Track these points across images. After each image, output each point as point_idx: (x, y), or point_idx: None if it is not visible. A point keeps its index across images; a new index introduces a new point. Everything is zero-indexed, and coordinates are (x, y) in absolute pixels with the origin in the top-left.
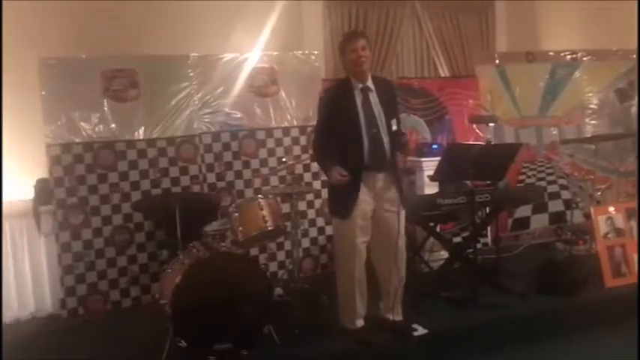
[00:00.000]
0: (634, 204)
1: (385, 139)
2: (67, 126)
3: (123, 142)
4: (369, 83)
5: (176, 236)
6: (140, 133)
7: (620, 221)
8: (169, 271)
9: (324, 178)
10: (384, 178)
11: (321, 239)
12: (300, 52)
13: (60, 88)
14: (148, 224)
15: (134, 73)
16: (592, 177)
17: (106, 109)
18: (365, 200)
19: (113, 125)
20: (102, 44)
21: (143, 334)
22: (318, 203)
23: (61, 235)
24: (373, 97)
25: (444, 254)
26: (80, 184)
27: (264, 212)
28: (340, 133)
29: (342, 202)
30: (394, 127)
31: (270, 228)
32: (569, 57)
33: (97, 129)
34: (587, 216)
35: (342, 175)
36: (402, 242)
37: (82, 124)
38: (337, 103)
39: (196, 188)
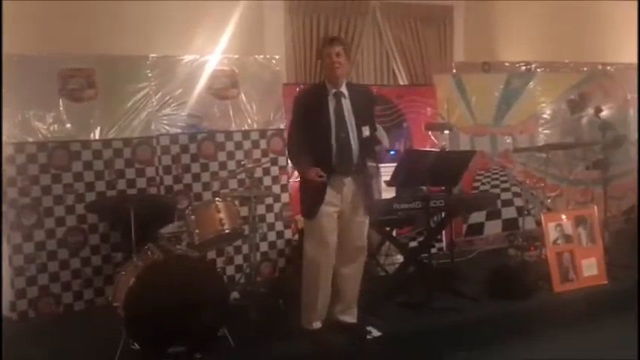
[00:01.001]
0: (582, 211)
1: (354, 145)
2: (22, 125)
3: (78, 142)
4: (343, 89)
5: (131, 238)
6: (96, 134)
7: (569, 228)
8: (123, 273)
9: (283, 182)
10: (352, 183)
11: (280, 243)
12: (261, 56)
13: (15, 86)
14: (103, 226)
15: (92, 73)
16: (543, 185)
17: (61, 108)
18: (331, 202)
19: (68, 125)
20: (60, 43)
21: (96, 337)
22: (277, 207)
23: (12, 236)
24: (346, 103)
25: (400, 258)
26: (33, 184)
27: (222, 215)
28: (311, 135)
29: (309, 202)
30: (366, 134)
31: (227, 231)
32: (523, 68)
33: (51, 128)
34: (539, 223)
35: (320, 176)
36: (364, 248)
37: (37, 123)
38: (310, 105)
39: (153, 190)
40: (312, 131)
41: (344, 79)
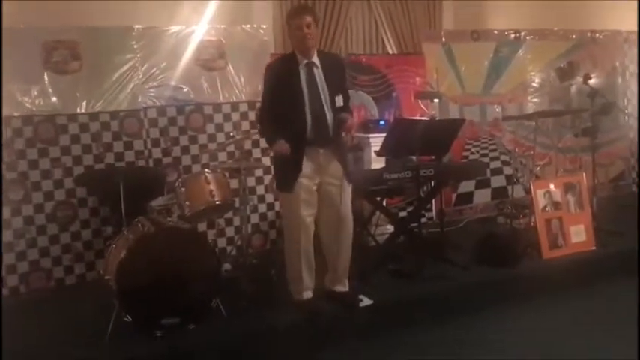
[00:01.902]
0: (571, 179)
1: (329, 115)
2: (6, 99)
3: (64, 115)
4: (315, 59)
5: (121, 212)
6: (83, 107)
7: (557, 195)
8: (114, 246)
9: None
10: (328, 154)
11: (270, 215)
12: (249, 25)
13: None
14: (92, 200)
15: (76, 45)
16: (532, 153)
17: (46, 81)
18: (307, 174)
19: (54, 98)
20: (43, 14)
21: (88, 310)
22: (267, 179)
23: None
24: (318, 73)
25: (390, 228)
26: (20, 158)
27: (212, 186)
28: (284, 108)
29: (285, 176)
30: (340, 103)
31: (217, 202)
32: (512, 36)
33: (37, 102)
34: (528, 191)
35: (285, 150)
36: (348, 216)
37: (22, 97)
38: (282, 78)
39: (142, 164)
40: (286, 104)
41: (315, 49)
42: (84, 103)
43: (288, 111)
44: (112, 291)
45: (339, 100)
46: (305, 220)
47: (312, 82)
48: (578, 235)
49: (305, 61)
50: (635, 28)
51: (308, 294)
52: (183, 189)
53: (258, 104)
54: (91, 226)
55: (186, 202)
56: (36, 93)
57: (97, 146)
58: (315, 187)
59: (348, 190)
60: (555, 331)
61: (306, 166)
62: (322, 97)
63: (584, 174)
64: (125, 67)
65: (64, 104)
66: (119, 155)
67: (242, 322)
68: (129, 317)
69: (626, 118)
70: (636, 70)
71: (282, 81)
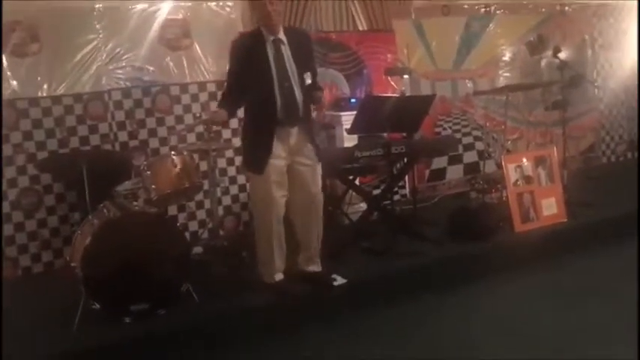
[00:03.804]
0: (541, 152)
1: (298, 93)
2: None
3: (25, 99)
4: (281, 35)
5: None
6: (44, 91)
7: (528, 169)
8: (79, 233)
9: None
10: (298, 133)
11: (243, 196)
12: (215, 3)
13: None
14: (58, 186)
15: (35, 26)
16: (503, 127)
17: (5, 64)
18: (278, 155)
19: (14, 82)
20: None
21: (56, 299)
22: (238, 160)
23: None
24: (285, 50)
25: (364, 206)
26: None
27: (178, 169)
28: (252, 87)
29: (255, 156)
30: (308, 81)
31: (185, 185)
32: (482, 10)
33: None
34: (500, 165)
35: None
36: (318, 195)
37: None
38: (248, 55)
39: (108, 147)
40: (253, 82)
41: (280, 25)
42: (45, 87)
43: (256, 89)
44: (78, 278)
45: (308, 78)
46: (277, 202)
47: (279, 59)
48: (550, 208)
49: (272, 38)
50: (603, 1)
51: (279, 276)
52: (149, 172)
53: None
54: (57, 212)
55: (153, 186)
56: None
57: (60, 130)
58: (285, 168)
59: (319, 169)
60: (528, 304)
61: (277, 147)
62: (290, 74)
63: (554, 147)
64: (88, 48)
65: (24, 88)
66: (84, 139)
67: (214, 307)
68: (97, 305)
69: (596, 90)
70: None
71: (248, 58)
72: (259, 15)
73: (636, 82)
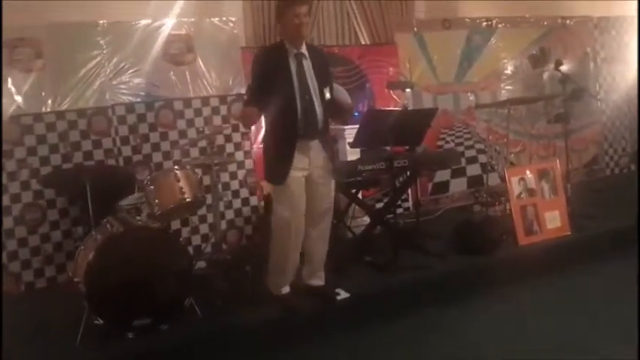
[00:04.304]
0: (544, 165)
1: (318, 107)
2: None
3: (29, 115)
4: (304, 50)
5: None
6: (48, 106)
7: (532, 182)
8: (82, 248)
9: (246, 148)
10: (316, 146)
11: (246, 210)
12: (218, 18)
13: None
14: (61, 201)
15: (39, 42)
16: (506, 140)
17: (9, 80)
18: (298, 167)
19: (18, 98)
20: (5, 12)
21: (59, 314)
22: (241, 174)
23: None
24: (307, 64)
25: (367, 220)
26: None
27: (181, 184)
28: (274, 98)
29: (276, 168)
30: (328, 95)
31: (187, 199)
32: (484, 24)
33: None
34: (503, 178)
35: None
36: (330, 211)
37: None
38: (272, 68)
39: (111, 162)
40: (276, 94)
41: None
42: (49, 102)
43: (278, 102)
44: (81, 294)
45: (327, 92)
46: (297, 214)
47: (301, 73)
48: (553, 221)
49: (295, 52)
50: (605, 14)
51: (286, 289)
52: (152, 187)
53: (231, 99)
54: (60, 227)
55: (156, 201)
56: None
57: (64, 146)
58: (304, 180)
59: (333, 183)
60: (532, 318)
61: (298, 159)
62: (311, 88)
63: (557, 160)
64: (91, 64)
65: (29, 104)
66: (88, 154)
67: (217, 321)
68: (100, 320)
69: (599, 103)
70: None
71: (272, 71)
72: (288, 29)
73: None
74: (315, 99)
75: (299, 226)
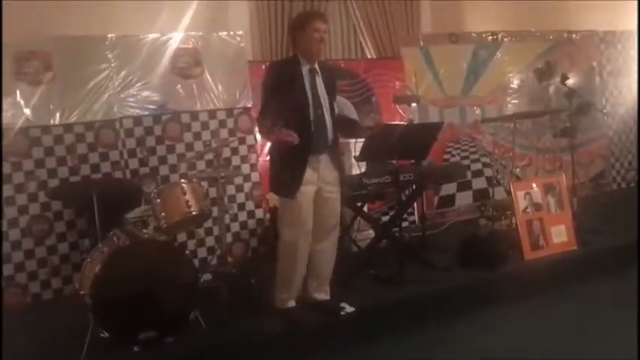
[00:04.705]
0: (551, 179)
1: (328, 122)
2: None
3: (38, 127)
4: (316, 65)
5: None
6: (56, 119)
7: (538, 196)
8: (89, 260)
9: (253, 161)
10: (326, 160)
11: (251, 223)
12: (225, 32)
13: None
14: (68, 213)
15: (48, 55)
16: (512, 154)
17: (18, 93)
18: (309, 181)
19: (27, 110)
20: (14, 25)
21: (64, 326)
22: (247, 187)
23: None
24: (319, 80)
25: (372, 233)
26: None
27: (188, 197)
28: (287, 112)
29: (287, 181)
30: (337, 110)
31: (194, 212)
32: (490, 38)
33: (9, 114)
34: (509, 192)
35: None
36: (338, 223)
37: None
38: (286, 81)
39: (118, 175)
40: (290, 108)
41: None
42: (57, 115)
43: (292, 115)
44: (87, 307)
45: (336, 107)
46: (306, 228)
47: (314, 88)
48: (560, 235)
49: (308, 67)
50: (610, 28)
51: (292, 303)
52: (158, 200)
53: (237, 112)
54: (67, 239)
55: (162, 214)
56: (7, 105)
57: (71, 158)
58: (313, 195)
59: (339, 196)
60: (538, 333)
61: (309, 172)
62: (323, 103)
63: (563, 174)
64: (100, 77)
65: (37, 116)
66: (95, 167)
67: (222, 334)
68: (105, 333)
69: (605, 117)
70: (613, 69)
71: (286, 84)
72: (306, 43)
73: None
74: (326, 114)
75: (306, 241)
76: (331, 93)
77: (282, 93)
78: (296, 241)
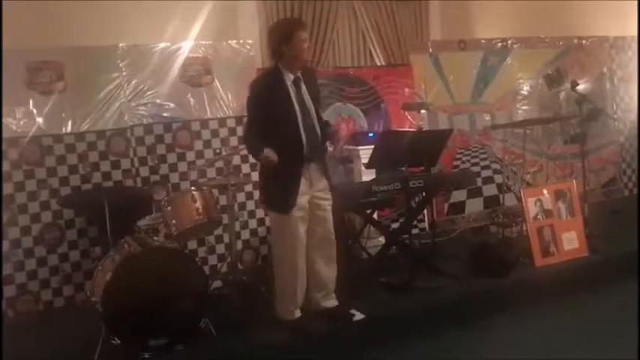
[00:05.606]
0: (561, 185)
1: (318, 130)
2: None
3: (50, 136)
4: (299, 73)
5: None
6: (68, 127)
7: (548, 203)
8: (100, 268)
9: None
10: (317, 168)
11: (261, 230)
12: (235, 41)
13: None
14: (80, 221)
15: (61, 65)
16: (522, 160)
17: (31, 102)
18: (303, 191)
19: (39, 119)
20: (27, 35)
21: (76, 333)
22: (257, 194)
23: None
24: (303, 88)
25: (382, 240)
26: (5, 181)
27: (198, 204)
28: (276, 126)
29: (282, 195)
30: (323, 117)
31: (204, 220)
32: (499, 44)
33: (21, 123)
34: (519, 199)
35: (273, 157)
36: (332, 229)
37: (6, 118)
38: (270, 95)
39: (129, 182)
40: (278, 121)
41: None
42: (69, 123)
43: (281, 129)
44: (99, 313)
45: (322, 114)
46: (302, 239)
47: (300, 97)
48: (571, 242)
49: (292, 77)
50: (621, 34)
51: (298, 312)
52: (169, 207)
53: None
54: (79, 247)
55: (173, 221)
56: (20, 115)
57: (83, 166)
58: (307, 204)
59: (331, 204)
60: (550, 340)
61: (302, 183)
62: (310, 111)
63: (574, 181)
64: (111, 86)
65: (50, 125)
66: (106, 175)
67: (232, 342)
68: (116, 340)
69: (616, 123)
70: (624, 75)
71: (271, 98)
72: (293, 53)
73: None
74: (314, 122)
75: (303, 252)
76: (316, 99)
77: (270, 109)
78: (294, 254)
